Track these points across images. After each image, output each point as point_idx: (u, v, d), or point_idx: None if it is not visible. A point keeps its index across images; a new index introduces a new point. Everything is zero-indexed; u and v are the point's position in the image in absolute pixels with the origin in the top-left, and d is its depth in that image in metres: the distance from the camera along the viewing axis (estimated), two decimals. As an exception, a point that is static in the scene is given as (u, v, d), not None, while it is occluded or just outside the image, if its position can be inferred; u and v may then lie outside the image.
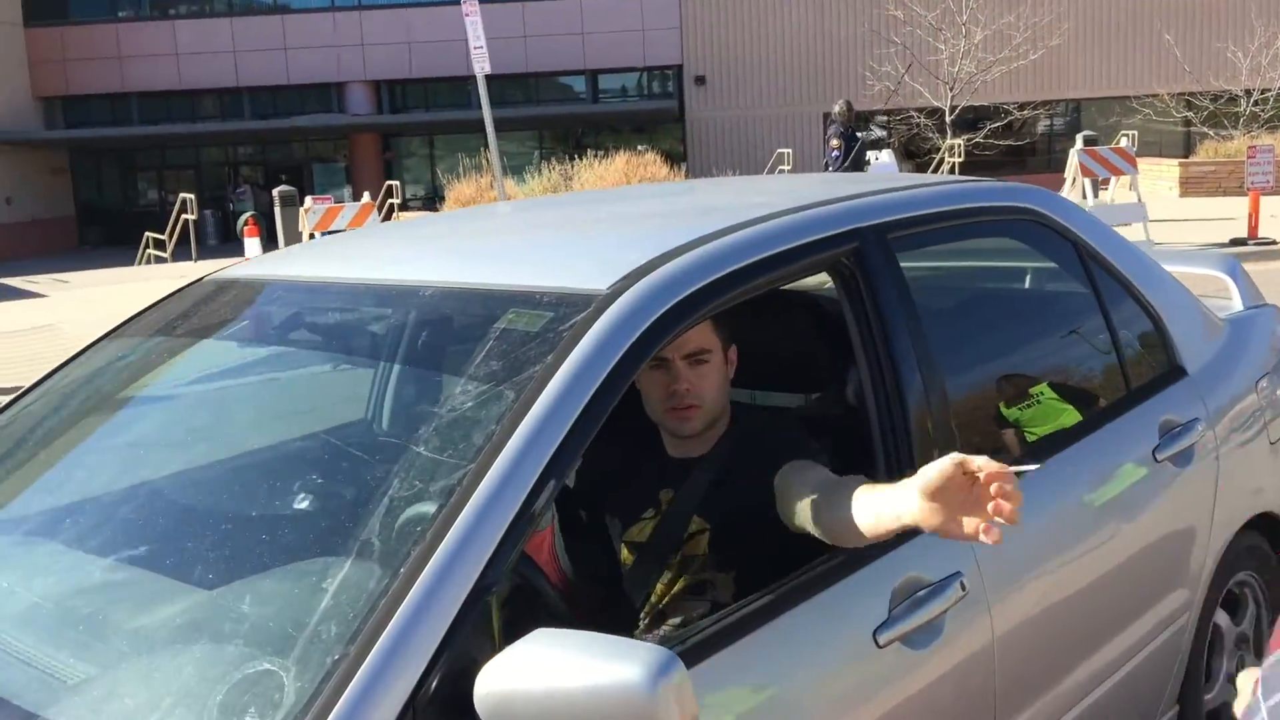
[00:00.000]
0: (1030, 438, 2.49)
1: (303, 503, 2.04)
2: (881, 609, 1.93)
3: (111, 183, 32.70)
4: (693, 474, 2.17)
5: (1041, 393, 2.55)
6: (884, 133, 13.86)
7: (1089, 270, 2.73)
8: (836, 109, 12.97)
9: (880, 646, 1.90)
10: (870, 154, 13.29)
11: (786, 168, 25.46)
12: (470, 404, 1.77)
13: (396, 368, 2.44)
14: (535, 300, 1.89)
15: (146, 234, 23.52)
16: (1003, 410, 2.49)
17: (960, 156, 23.77)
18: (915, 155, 26.85)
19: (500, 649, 1.46)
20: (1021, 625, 2.18)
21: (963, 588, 2.02)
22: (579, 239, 2.40)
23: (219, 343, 2.38)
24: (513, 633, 1.47)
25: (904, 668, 1.94)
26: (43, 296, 15.87)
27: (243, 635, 1.67)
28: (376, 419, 2.60)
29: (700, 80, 30.42)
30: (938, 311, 2.52)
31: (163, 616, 1.79)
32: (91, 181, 32.24)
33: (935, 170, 24.77)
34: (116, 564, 1.94)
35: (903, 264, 2.26)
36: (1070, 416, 2.56)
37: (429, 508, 1.60)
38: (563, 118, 31.40)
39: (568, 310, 1.81)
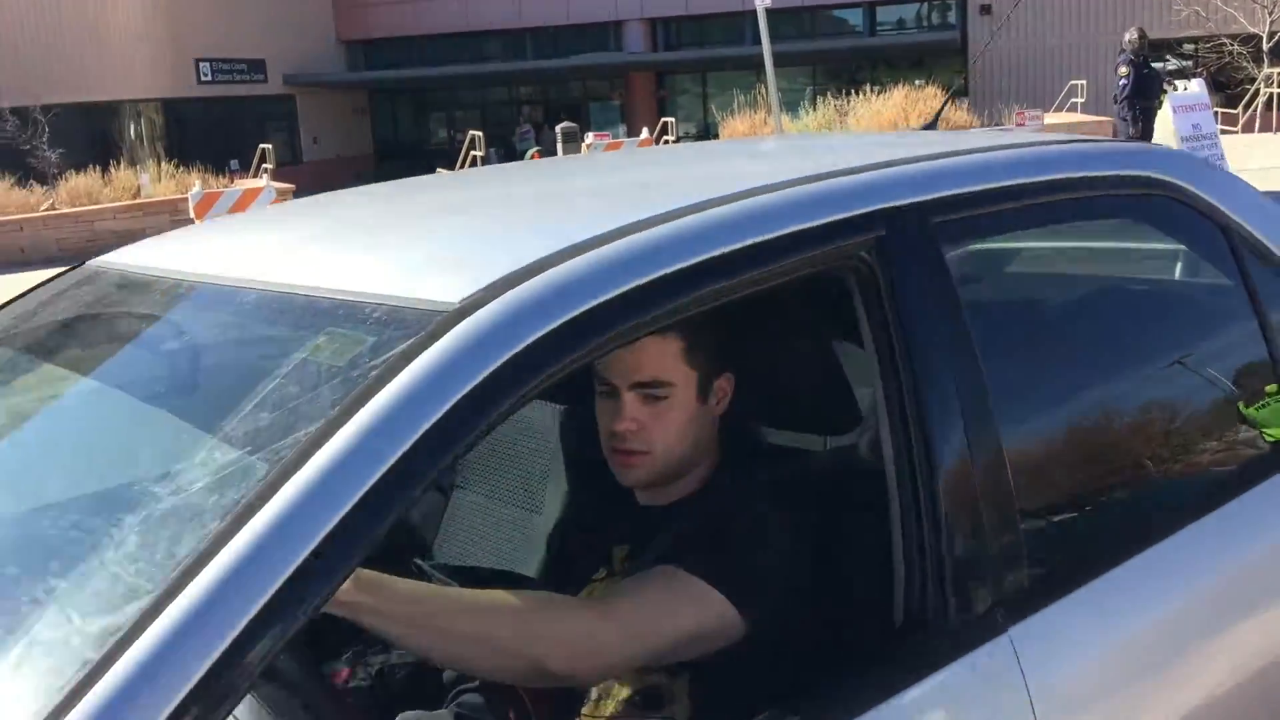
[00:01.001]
0: (1270, 438, 1.90)
1: None
2: None
3: (405, 121, 34.65)
4: (657, 531, 1.62)
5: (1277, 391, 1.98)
6: (1178, 65, 12.79)
7: (1246, 272, 1.93)
8: (1127, 37, 12.13)
9: None
10: (1179, 83, 12.30)
11: (1080, 100, 23.99)
12: (206, 476, 1.24)
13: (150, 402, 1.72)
14: (359, 316, 1.33)
15: (438, 170, 24.82)
16: (1242, 409, 1.93)
17: (1279, 88, 21.67)
18: (1225, 87, 24.65)
19: None
20: None
21: None
22: (459, 227, 1.72)
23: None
24: None
25: None
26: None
27: None
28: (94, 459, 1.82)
29: (985, 9, 28.98)
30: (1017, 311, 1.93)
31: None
32: (388, 120, 34.28)
33: (1250, 103, 22.71)
34: None
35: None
36: None
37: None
38: (838, 52, 30.72)
39: (393, 333, 1.26)
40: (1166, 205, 1.91)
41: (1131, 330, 1.99)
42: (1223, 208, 1.93)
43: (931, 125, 3.22)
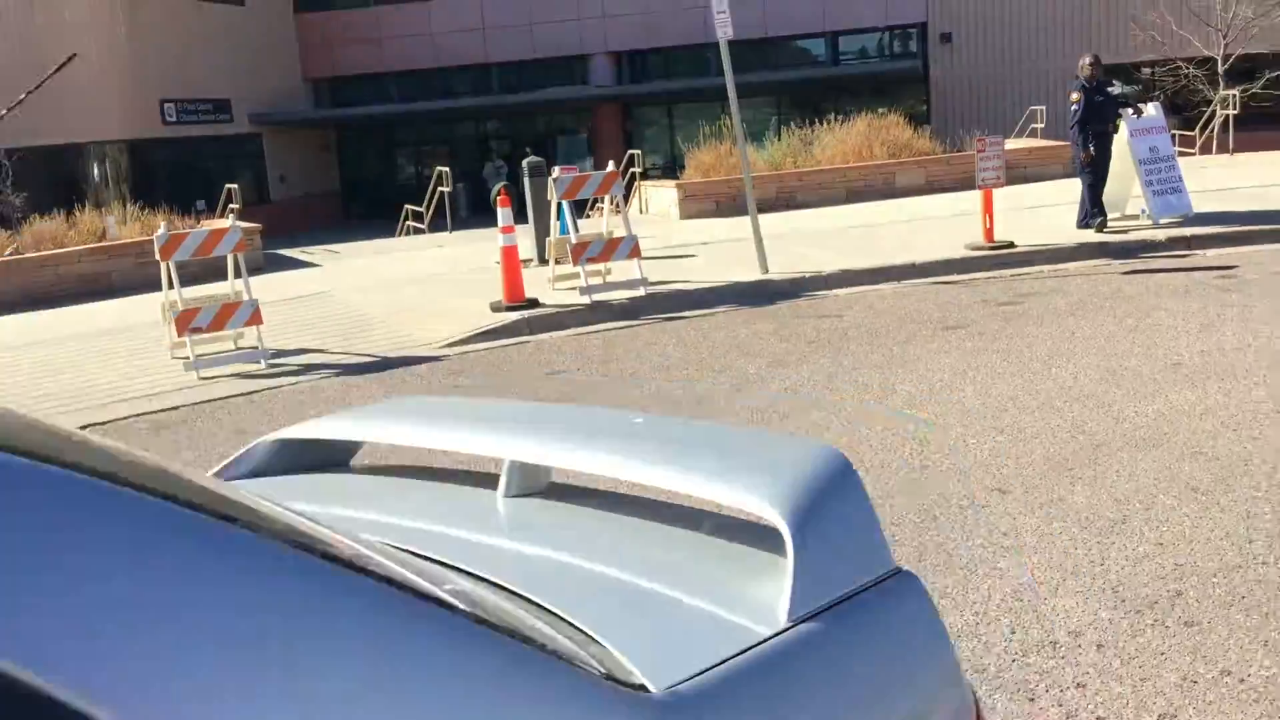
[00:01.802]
0: None
1: None
2: None
3: (372, 158, 34.57)
4: None
5: None
6: (1126, 89, 12.93)
7: None
8: (1081, 63, 12.31)
9: None
10: (1129, 111, 12.46)
11: (1040, 125, 24.28)
12: None
13: None
14: None
15: (406, 207, 24.79)
16: None
17: (1235, 109, 22.02)
18: (1183, 109, 25.04)
19: None
20: None
21: None
22: None
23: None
24: None
25: None
26: (318, 266, 16.99)
27: None
28: None
29: (946, 38, 29.35)
30: None
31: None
32: (355, 158, 34.21)
33: (1205, 125, 23.05)
34: None
35: None
36: None
37: None
38: (801, 82, 31.01)
39: None
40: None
41: None
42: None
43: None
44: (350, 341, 9.91)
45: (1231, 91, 22.14)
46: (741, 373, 7.61)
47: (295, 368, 9.04)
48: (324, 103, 33.13)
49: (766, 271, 11.24)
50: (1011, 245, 11.55)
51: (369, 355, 9.28)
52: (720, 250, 13.24)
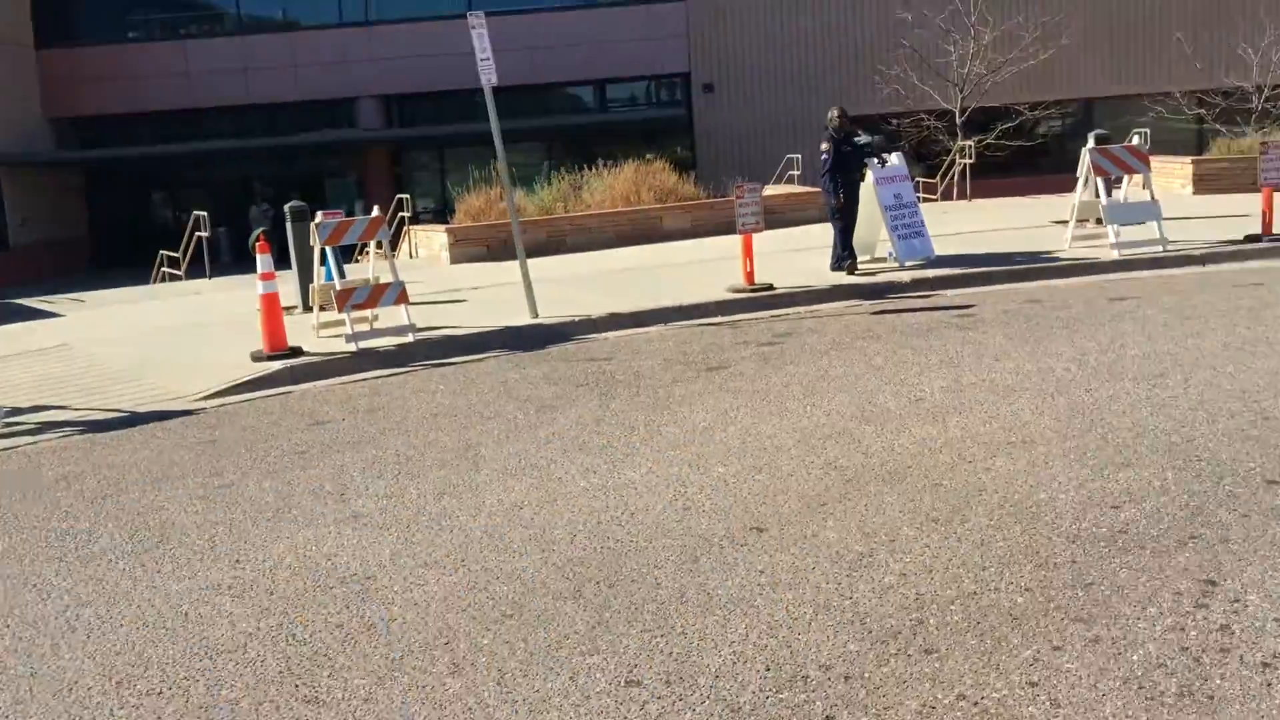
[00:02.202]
0: None
1: None
2: None
3: (126, 202, 32.81)
4: None
5: None
6: (872, 139, 13.72)
7: None
8: (830, 115, 12.99)
9: None
10: (874, 160, 13.22)
11: (797, 172, 25.44)
12: None
13: None
14: None
15: (161, 252, 23.62)
16: None
17: (971, 158, 23.69)
18: (926, 158, 26.75)
19: None
20: None
21: None
22: None
23: None
24: None
25: None
26: (60, 316, 15.93)
27: None
28: None
29: (708, 88, 30.41)
30: None
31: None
32: (106, 201, 32.36)
33: (946, 172, 24.69)
34: None
35: None
36: None
37: None
38: (571, 128, 31.46)
39: None
40: None
41: None
42: None
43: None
44: (95, 397, 9.32)
45: (968, 142, 23.82)
46: (511, 419, 7.58)
47: (32, 426, 8.42)
48: (70, 143, 31.25)
49: (536, 316, 11.28)
50: (771, 288, 12.00)
51: (116, 410, 8.75)
52: (491, 295, 13.21)
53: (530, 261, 11.89)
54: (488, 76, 11.33)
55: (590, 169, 20.19)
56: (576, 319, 11.16)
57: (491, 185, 19.06)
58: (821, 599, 4.19)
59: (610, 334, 10.85)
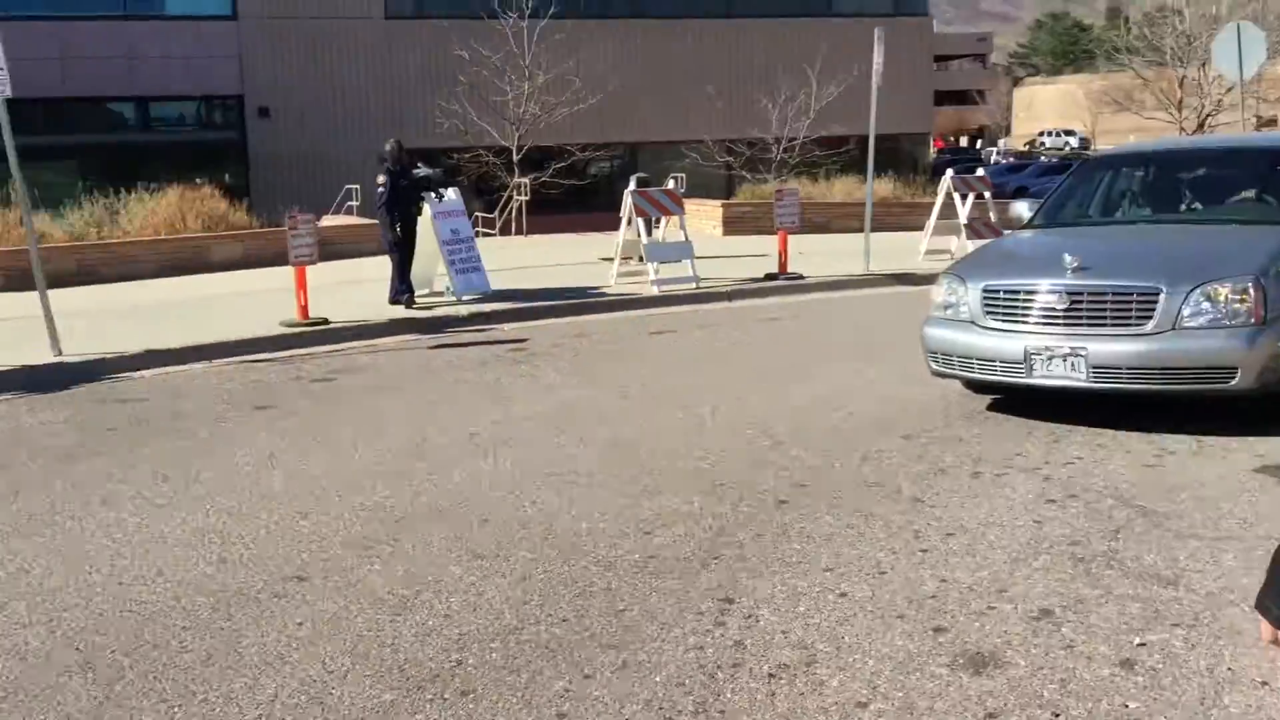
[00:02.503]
0: None
1: None
2: None
3: None
4: None
5: None
6: (431, 172, 13.82)
7: None
8: (386, 147, 12.92)
9: None
10: (443, 190, 13.31)
11: (356, 203, 25.04)
12: None
13: None
14: None
15: None
16: None
17: (528, 195, 24.46)
18: (486, 193, 27.29)
19: None
20: None
21: None
22: None
23: None
24: None
25: None
26: None
27: None
28: None
29: (264, 112, 29.26)
30: None
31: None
32: None
33: (504, 208, 25.33)
34: None
35: None
36: None
37: None
38: (109, 146, 29.04)
39: None
40: None
41: None
42: None
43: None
44: None
45: (525, 179, 24.59)
46: (22, 471, 6.80)
47: None
48: None
49: (60, 354, 10.24)
50: (326, 322, 11.68)
51: None
52: (5, 330, 11.84)
53: (57, 293, 10.82)
54: (2, 88, 10.19)
55: (131, 192, 18.72)
56: (108, 356, 10.26)
57: (9, 207, 17.13)
58: (361, 648, 4.08)
59: (147, 372, 10.07)
